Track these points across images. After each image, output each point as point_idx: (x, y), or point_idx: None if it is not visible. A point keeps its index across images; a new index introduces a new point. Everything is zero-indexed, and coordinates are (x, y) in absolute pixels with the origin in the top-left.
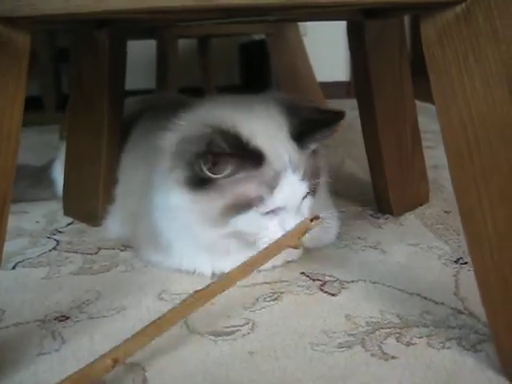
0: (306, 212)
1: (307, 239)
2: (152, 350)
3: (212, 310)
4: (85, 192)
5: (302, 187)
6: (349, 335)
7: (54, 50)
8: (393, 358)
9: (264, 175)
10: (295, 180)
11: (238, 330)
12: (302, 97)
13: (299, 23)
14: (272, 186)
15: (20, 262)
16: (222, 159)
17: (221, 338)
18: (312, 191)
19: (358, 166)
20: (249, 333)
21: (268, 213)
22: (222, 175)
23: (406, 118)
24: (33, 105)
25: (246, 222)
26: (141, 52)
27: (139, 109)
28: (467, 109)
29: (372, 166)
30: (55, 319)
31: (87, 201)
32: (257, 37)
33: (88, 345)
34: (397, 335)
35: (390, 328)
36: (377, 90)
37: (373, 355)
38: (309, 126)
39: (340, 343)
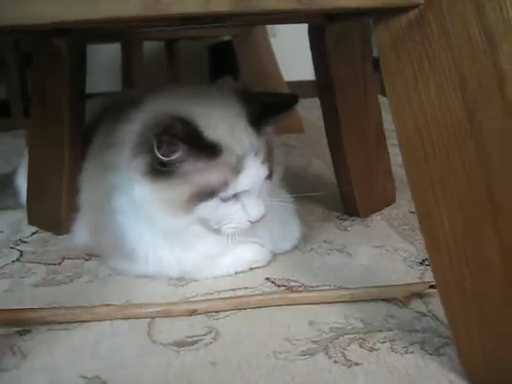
0: (264, 195)
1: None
2: (113, 360)
3: (176, 319)
4: (48, 201)
5: (264, 169)
6: (312, 342)
7: (19, 54)
8: (356, 364)
9: (226, 162)
10: (258, 163)
11: (200, 340)
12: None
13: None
14: (237, 170)
15: None
16: (176, 142)
17: (183, 348)
18: (269, 174)
19: (325, 166)
20: (211, 342)
21: (230, 198)
22: (174, 157)
23: (370, 118)
24: (0, 110)
25: (209, 208)
26: (106, 55)
27: (100, 110)
28: (422, 114)
29: (336, 167)
30: (16, 333)
31: (51, 210)
32: (226, 37)
33: (49, 359)
34: (360, 341)
35: (353, 334)
36: (339, 90)
37: (336, 362)
38: (265, 110)
39: (303, 351)
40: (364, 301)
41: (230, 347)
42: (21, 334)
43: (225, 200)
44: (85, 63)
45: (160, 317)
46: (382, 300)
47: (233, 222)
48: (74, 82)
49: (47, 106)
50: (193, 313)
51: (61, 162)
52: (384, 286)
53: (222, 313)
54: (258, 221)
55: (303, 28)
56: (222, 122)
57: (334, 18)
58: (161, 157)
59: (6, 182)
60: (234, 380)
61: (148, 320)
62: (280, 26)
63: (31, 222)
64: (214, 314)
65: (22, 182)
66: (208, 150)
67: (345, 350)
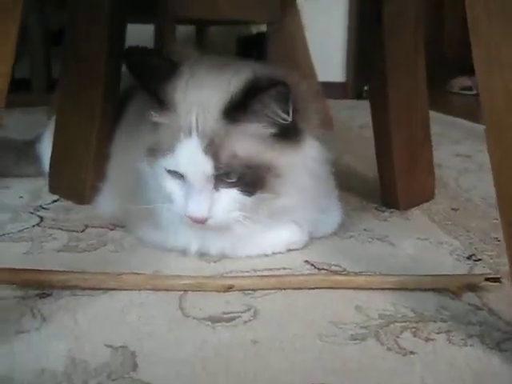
0: (221, 205)
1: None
2: (142, 331)
3: (209, 294)
4: (73, 168)
5: (203, 162)
6: (361, 327)
7: (46, 32)
8: (411, 353)
9: (172, 126)
10: (195, 148)
11: (238, 317)
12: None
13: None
14: (174, 142)
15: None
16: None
17: (219, 324)
18: (235, 183)
19: (356, 159)
20: (250, 320)
21: (176, 176)
22: None
23: (419, 109)
24: (22, 87)
25: (158, 173)
26: (138, 37)
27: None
28: None
29: (380, 156)
30: (36, 296)
31: (75, 178)
32: (254, 30)
33: (71, 324)
34: (413, 329)
35: (405, 322)
36: (391, 75)
37: (389, 349)
38: (241, 96)
39: (352, 335)
40: (413, 290)
41: (271, 326)
42: (41, 297)
43: (169, 173)
44: (125, 25)
45: (192, 290)
46: (432, 290)
47: (174, 205)
48: (113, 44)
49: (81, 69)
50: (228, 289)
51: (91, 126)
52: (436, 276)
53: (259, 292)
54: (198, 221)
55: (335, 29)
56: (194, 89)
57: None
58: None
59: (27, 149)
60: (278, 361)
61: (179, 293)
62: (312, 26)
63: (52, 190)
64: (250, 292)
65: (45, 150)
66: (165, 104)
67: (398, 337)
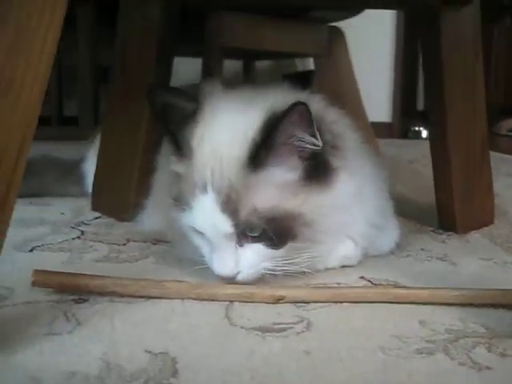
0: (248, 260)
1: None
2: (184, 338)
3: (257, 306)
4: (117, 184)
5: (220, 220)
6: (426, 341)
7: (96, 69)
8: (487, 368)
9: (188, 178)
10: (210, 205)
11: (290, 328)
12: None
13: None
14: (190, 197)
15: (38, 246)
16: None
17: (269, 334)
18: (259, 237)
19: (409, 190)
20: (303, 331)
21: (200, 233)
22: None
23: (477, 129)
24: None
25: (184, 223)
26: (187, 69)
27: None
28: None
29: (437, 177)
30: (72, 300)
31: (119, 193)
32: (300, 68)
33: (107, 329)
34: (486, 345)
35: (476, 337)
36: (449, 87)
37: (461, 364)
38: (261, 136)
39: (418, 349)
40: (481, 306)
41: (326, 338)
42: (76, 302)
43: (193, 229)
44: (175, 44)
45: (239, 301)
46: (502, 307)
47: (205, 260)
48: (162, 48)
49: (128, 80)
50: (279, 300)
51: (136, 141)
52: (508, 290)
53: (313, 305)
54: (225, 278)
55: (382, 69)
56: (214, 136)
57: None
58: None
59: (71, 168)
60: (336, 372)
61: (225, 304)
62: (357, 65)
63: (95, 208)
64: (303, 304)
65: (89, 168)
66: (183, 152)
67: (470, 352)
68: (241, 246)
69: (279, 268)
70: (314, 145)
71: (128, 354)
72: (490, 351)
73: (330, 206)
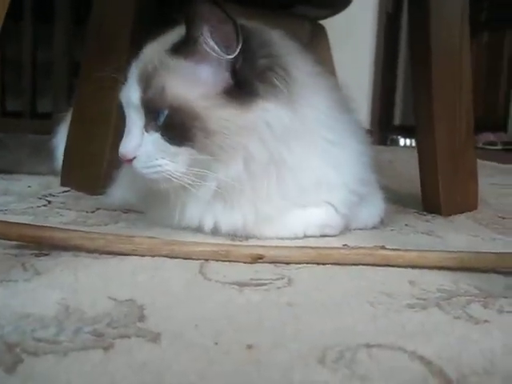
0: (147, 147)
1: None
2: (154, 289)
3: (234, 264)
4: (88, 157)
5: (133, 89)
6: (418, 299)
7: (71, 65)
8: (485, 321)
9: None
10: (133, 77)
11: (270, 283)
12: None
13: None
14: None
15: (0, 210)
16: None
17: (248, 287)
18: (160, 127)
19: (391, 182)
20: (285, 286)
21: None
22: None
23: (463, 110)
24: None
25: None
26: None
27: None
28: None
29: (422, 159)
30: (32, 254)
31: (89, 166)
32: None
33: (70, 279)
34: (482, 303)
35: (470, 296)
36: (436, 63)
37: (457, 318)
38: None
39: (409, 304)
40: (474, 271)
41: (311, 293)
42: (37, 255)
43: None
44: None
45: (215, 259)
46: (496, 272)
47: None
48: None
49: (101, 58)
50: (257, 259)
51: (107, 119)
52: (503, 253)
53: (294, 265)
54: (125, 159)
55: (363, 76)
56: None
57: None
58: None
59: (40, 146)
60: (323, 322)
61: (200, 261)
62: (339, 71)
63: (64, 183)
64: (283, 265)
65: (59, 142)
66: None
67: (465, 307)
68: (147, 131)
69: (179, 175)
70: (220, 51)
71: (90, 300)
72: (486, 308)
73: (239, 126)
